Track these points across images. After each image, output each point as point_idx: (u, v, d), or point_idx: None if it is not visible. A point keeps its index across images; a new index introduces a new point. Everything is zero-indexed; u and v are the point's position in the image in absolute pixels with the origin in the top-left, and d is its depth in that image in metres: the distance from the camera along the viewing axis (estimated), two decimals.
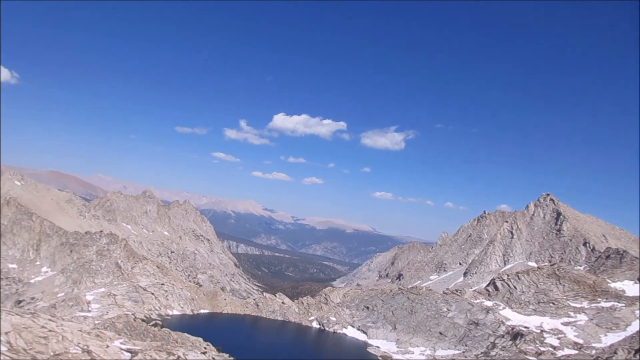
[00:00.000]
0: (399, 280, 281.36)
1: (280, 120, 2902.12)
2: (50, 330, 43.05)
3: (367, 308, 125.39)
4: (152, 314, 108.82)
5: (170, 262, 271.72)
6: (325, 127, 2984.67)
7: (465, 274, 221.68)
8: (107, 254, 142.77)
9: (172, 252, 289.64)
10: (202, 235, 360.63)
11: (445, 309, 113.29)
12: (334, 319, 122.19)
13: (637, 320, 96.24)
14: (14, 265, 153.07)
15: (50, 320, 48.56)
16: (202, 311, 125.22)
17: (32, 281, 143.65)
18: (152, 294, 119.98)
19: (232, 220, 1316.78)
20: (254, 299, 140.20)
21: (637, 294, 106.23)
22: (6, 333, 37.76)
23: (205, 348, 70.46)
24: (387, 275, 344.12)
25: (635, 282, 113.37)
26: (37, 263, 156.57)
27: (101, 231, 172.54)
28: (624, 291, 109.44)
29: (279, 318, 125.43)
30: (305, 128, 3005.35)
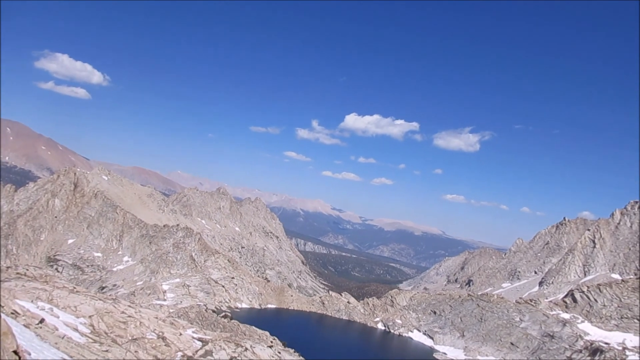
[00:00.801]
0: (469, 286, 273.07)
1: (352, 121, 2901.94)
2: (129, 316, 45.67)
3: (435, 313, 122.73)
4: (222, 306, 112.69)
5: (240, 257, 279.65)
6: (397, 127, 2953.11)
7: (540, 284, 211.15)
8: (183, 246, 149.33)
9: (242, 247, 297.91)
10: (271, 232, 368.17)
11: (517, 319, 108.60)
12: (399, 321, 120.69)
13: None
14: (99, 254, 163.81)
15: (129, 306, 51.53)
16: (269, 306, 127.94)
17: (114, 269, 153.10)
18: (223, 286, 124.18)
19: (301, 219, 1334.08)
20: (320, 297, 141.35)
21: None
22: (89, 316, 40.46)
23: (271, 342, 71.91)
24: (456, 281, 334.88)
25: None
26: (120, 252, 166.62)
27: (178, 225, 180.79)
28: None
29: (344, 317, 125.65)
30: (377, 128, 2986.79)
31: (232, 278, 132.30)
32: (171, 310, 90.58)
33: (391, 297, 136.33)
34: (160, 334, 44.91)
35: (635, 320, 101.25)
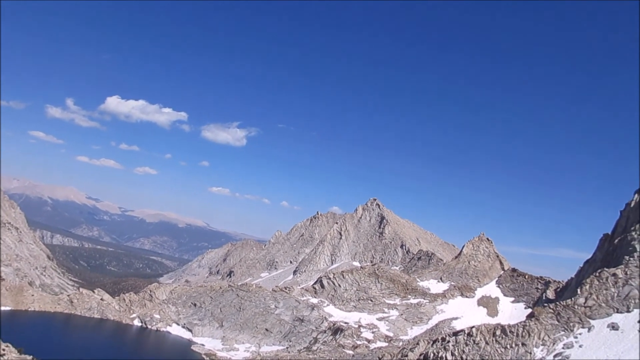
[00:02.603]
0: (230, 277, 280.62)
1: (114, 104, 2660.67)
2: None
3: (195, 305, 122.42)
4: None
5: None
6: (164, 115, 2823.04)
7: (295, 272, 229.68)
8: None
9: None
10: (9, 223, 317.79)
11: (273, 306, 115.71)
12: (157, 316, 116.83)
13: (437, 315, 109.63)
14: None
15: None
16: (3, 308, 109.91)
17: None
18: None
19: (49, 208, 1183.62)
20: (68, 295, 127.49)
21: (440, 292, 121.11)
22: None
23: (3, 350, 61.87)
24: (218, 272, 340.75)
25: (439, 281, 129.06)
26: None
27: None
28: (429, 289, 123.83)
29: (96, 316, 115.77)
30: (142, 114, 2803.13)
31: None
32: None
33: (150, 291, 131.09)
34: None
35: (370, 301, 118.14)
